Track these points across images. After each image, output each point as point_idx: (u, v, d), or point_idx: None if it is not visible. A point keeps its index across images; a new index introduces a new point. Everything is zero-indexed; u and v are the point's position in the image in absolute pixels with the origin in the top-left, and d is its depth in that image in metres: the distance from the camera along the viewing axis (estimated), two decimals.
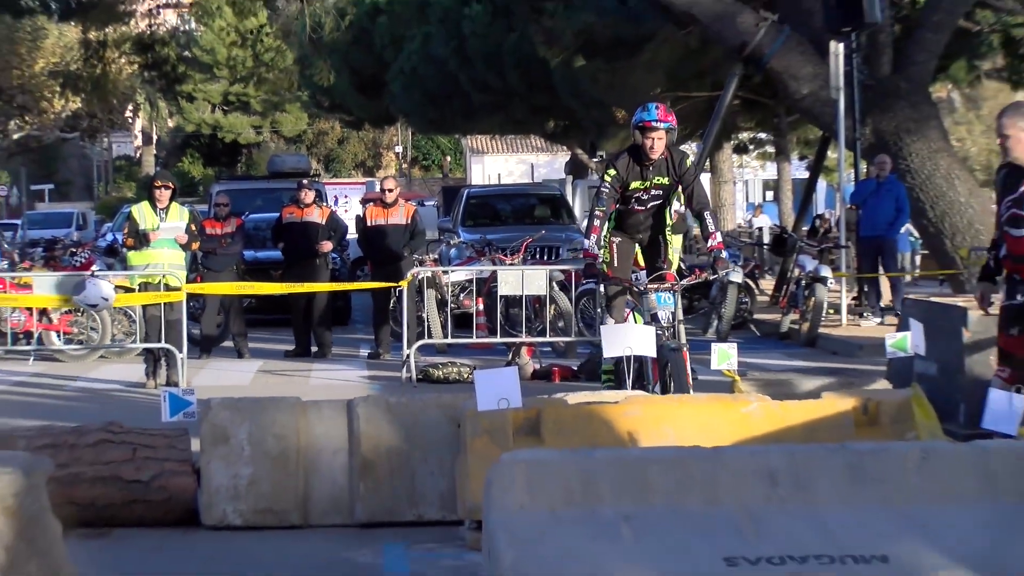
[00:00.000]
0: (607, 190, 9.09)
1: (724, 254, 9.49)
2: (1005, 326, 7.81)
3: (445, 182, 36.38)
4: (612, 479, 6.25)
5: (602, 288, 10.07)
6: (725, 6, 17.18)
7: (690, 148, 31.52)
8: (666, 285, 9.22)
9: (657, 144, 8.96)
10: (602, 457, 6.49)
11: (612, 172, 9.16)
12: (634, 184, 9.16)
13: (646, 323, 9.08)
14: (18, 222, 34.66)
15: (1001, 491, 6.25)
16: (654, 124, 8.94)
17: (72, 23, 23.86)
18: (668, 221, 9.92)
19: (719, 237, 9.45)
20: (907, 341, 9.90)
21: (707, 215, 9.39)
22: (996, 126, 7.80)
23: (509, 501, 5.98)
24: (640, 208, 9.44)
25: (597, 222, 9.11)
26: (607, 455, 6.69)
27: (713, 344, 10.97)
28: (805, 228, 21.49)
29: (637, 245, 9.76)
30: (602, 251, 9.37)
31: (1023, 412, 7.94)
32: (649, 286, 9.15)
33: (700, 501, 6.23)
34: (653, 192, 9.30)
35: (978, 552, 5.93)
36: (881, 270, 17.46)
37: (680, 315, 9.43)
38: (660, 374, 9.25)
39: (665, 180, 9.21)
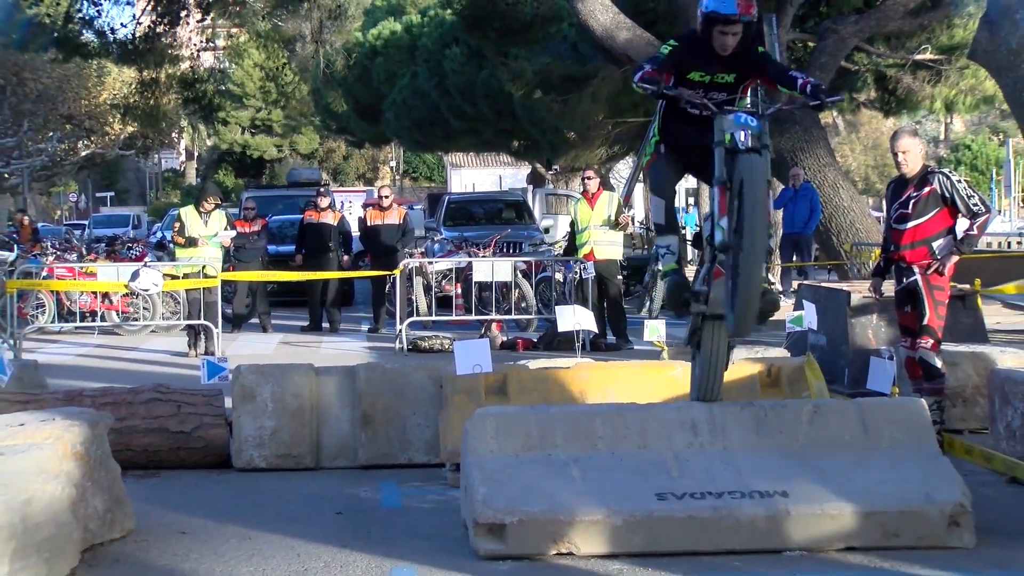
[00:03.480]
0: (661, 57, 5.66)
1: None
2: (899, 306, 7.74)
3: (430, 190, 36.39)
4: (564, 429, 6.29)
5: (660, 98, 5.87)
6: (655, 49, 16.89)
7: (625, 164, 31.86)
8: (747, 104, 5.77)
9: (731, 42, 5.60)
10: (556, 412, 6.58)
11: (673, 43, 5.80)
12: (692, 74, 5.67)
13: (730, 149, 5.23)
14: (85, 223, 34.33)
15: (877, 438, 6.27)
16: (732, 18, 5.50)
17: (129, 65, 23.73)
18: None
19: (807, 77, 5.86)
20: (803, 318, 10.03)
21: (796, 73, 5.89)
22: (892, 146, 7.89)
23: (481, 447, 6.19)
24: (692, 112, 5.70)
25: (648, 69, 5.53)
26: (560, 410, 6.77)
27: (645, 321, 10.99)
28: None
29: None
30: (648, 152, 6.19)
31: (894, 375, 7.93)
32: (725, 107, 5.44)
33: (635, 447, 6.17)
34: (711, 93, 5.70)
35: (858, 487, 5.93)
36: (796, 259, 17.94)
37: (767, 140, 5.34)
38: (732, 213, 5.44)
39: (731, 78, 5.72)
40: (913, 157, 7.72)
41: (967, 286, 11.50)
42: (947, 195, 7.50)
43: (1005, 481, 7.34)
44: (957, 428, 8.93)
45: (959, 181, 7.77)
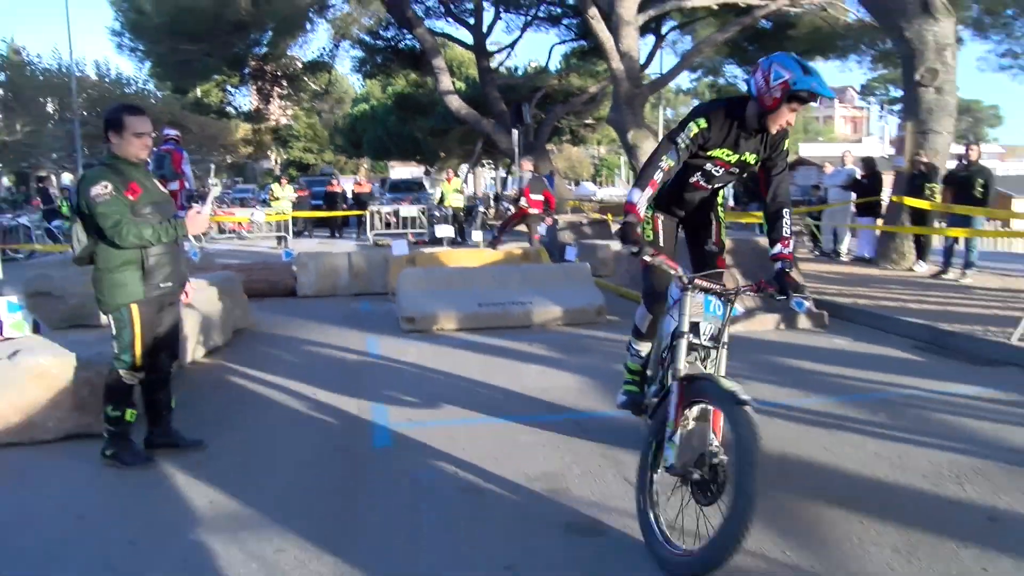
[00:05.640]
0: (684, 143, 3.86)
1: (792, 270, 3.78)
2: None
3: (382, 177, 47.74)
4: (440, 279, 8.89)
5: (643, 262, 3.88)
6: (477, 118, 24.71)
7: (462, 170, 41.29)
8: (717, 288, 3.67)
9: (791, 120, 3.82)
10: (436, 271, 9.18)
11: (701, 124, 3.88)
12: (717, 151, 3.99)
13: (674, 333, 3.62)
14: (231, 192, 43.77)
15: (570, 280, 9.29)
16: (813, 94, 3.66)
17: (248, 122, 40.55)
18: (721, 198, 4.47)
19: (791, 245, 3.86)
20: (541, 230, 13.05)
21: (786, 213, 3.94)
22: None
23: (405, 286, 8.82)
24: (704, 186, 4.20)
25: (658, 175, 3.79)
26: (438, 270, 9.29)
27: (472, 232, 15.25)
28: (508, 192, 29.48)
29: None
30: (646, 224, 4.38)
31: (576, 254, 10.63)
32: (698, 281, 3.66)
33: (469, 286, 8.93)
34: (731, 170, 4.10)
35: (563, 300, 8.84)
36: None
37: (726, 337, 3.67)
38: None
39: (753, 159, 4.03)
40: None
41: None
42: None
43: (617, 295, 10.29)
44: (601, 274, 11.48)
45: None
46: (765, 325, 8.38)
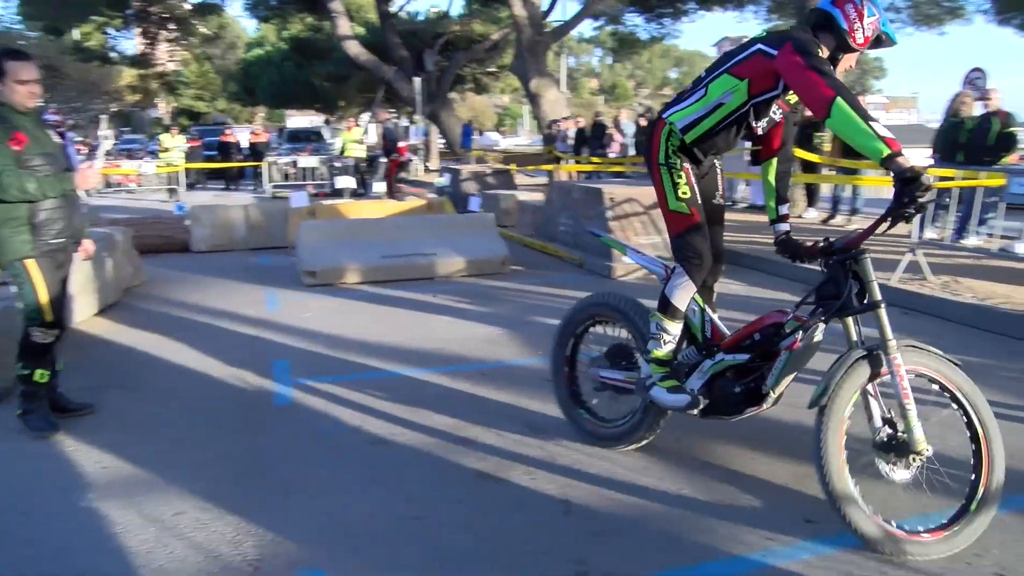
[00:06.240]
0: (821, 55, 3.04)
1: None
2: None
3: (279, 126, 45.38)
4: (341, 231, 8.81)
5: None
6: (377, 64, 24.51)
7: (363, 119, 40.69)
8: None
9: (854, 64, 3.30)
10: (337, 222, 9.16)
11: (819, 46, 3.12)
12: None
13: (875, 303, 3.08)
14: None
15: (473, 229, 9.17)
16: (889, 39, 3.25)
17: (134, 67, 36.97)
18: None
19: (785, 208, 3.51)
20: (443, 180, 13.36)
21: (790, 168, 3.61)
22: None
23: (305, 238, 8.72)
24: (755, 128, 3.43)
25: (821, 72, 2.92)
26: (339, 221, 9.32)
27: (374, 183, 15.33)
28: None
29: None
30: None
31: (480, 204, 10.93)
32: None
33: (372, 237, 8.77)
34: (786, 112, 3.48)
35: (466, 250, 8.96)
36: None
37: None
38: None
39: (795, 100, 3.41)
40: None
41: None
42: None
43: (521, 245, 10.51)
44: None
45: None
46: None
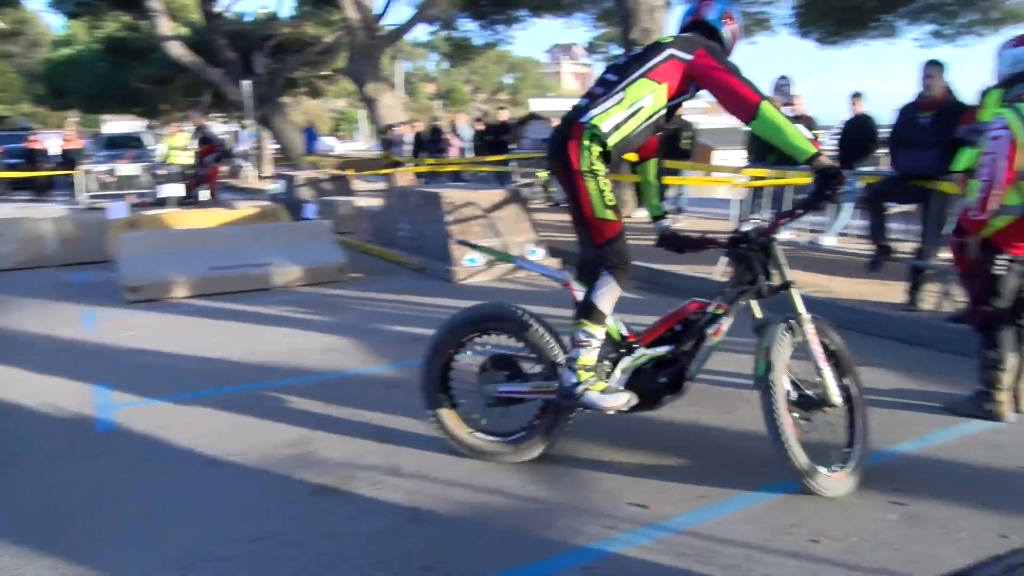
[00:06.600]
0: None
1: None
2: None
3: (96, 132, 42.01)
4: (166, 242, 8.46)
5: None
6: (202, 66, 23.65)
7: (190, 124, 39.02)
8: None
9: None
10: (162, 234, 8.75)
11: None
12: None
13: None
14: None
15: (310, 237, 8.66)
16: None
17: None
18: None
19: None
20: (277, 187, 13.07)
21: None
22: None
23: (127, 251, 8.27)
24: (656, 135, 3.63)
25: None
26: (164, 233, 8.89)
27: (201, 192, 14.99)
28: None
29: None
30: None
31: (316, 212, 10.80)
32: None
33: (204, 247, 8.49)
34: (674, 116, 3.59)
35: (304, 259, 8.44)
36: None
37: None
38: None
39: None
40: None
41: None
42: None
43: (360, 252, 10.32)
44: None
45: None
46: (502, 272, 8.71)
